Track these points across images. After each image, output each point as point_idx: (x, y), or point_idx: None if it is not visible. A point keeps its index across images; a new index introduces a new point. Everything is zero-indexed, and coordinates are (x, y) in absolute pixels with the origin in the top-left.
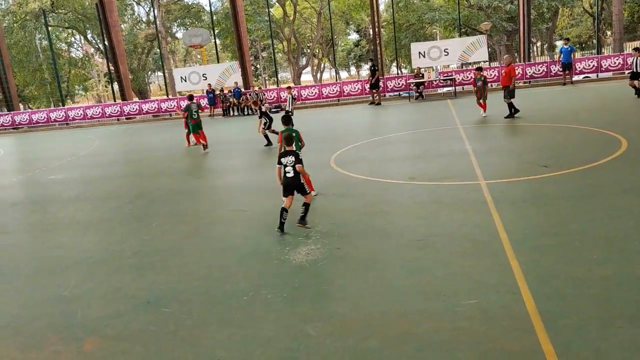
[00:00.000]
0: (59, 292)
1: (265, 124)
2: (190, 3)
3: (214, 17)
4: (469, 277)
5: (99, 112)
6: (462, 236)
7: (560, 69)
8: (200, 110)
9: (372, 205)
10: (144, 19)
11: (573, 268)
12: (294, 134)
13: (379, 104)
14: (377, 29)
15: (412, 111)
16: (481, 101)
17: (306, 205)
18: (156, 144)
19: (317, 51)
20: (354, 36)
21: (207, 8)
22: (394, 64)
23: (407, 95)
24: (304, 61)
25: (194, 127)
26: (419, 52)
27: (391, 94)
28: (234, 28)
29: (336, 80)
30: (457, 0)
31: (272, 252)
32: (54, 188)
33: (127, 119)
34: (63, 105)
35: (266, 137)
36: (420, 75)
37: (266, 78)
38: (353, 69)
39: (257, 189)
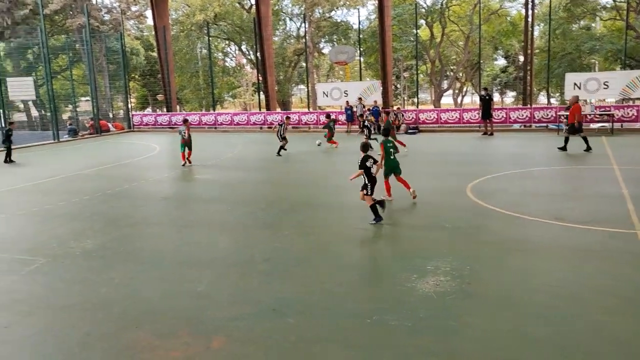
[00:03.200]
0: (194, 287)
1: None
2: (339, 20)
3: (361, 35)
4: (615, 337)
5: (245, 119)
6: (611, 290)
7: None
8: (186, 132)
9: (509, 243)
10: (295, 34)
11: None
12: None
13: (491, 134)
14: (528, 56)
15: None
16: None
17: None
18: (293, 155)
19: (461, 74)
20: (502, 62)
21: (356, 26)
22: (542, 93)
23: (555, 127)
24: (445, 84)
25: (182, 145)
26: (574, 83)
27: (538, 125)
28: (380, 47)
29: (479, 107)
30: (625, 29)
31: (398, 278)
32: (198, 187)
33: (269, 127)
34: (214, 110)
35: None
36: None
37: (405, 98)
38: (497, 95)
39: (387, 208)
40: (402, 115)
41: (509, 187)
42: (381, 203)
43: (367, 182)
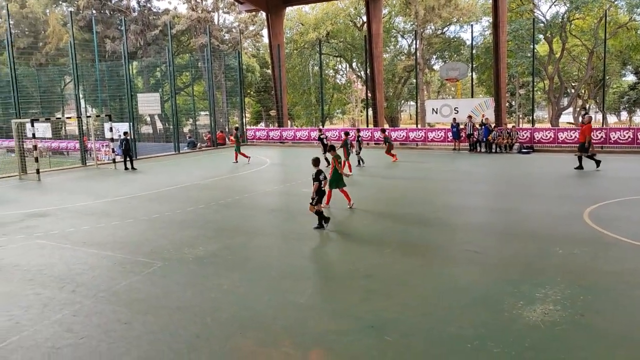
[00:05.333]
0: (297, 298)
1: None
2: (451, 37)
3: (474, 51)
4: None
5: (352, 135)
6: None
7: None
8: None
9: (632, 274)
10: (405, 51)
11: None
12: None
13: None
14: None
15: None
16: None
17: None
18: (400, 171)
19: (583, 92)
20: (631, 78)
21: (468, 42)
22: None
23: None
24: (565, 102)
25: (236, 148)
26: None
27: None
28: (494, 63)
29: (602, 126)
30: None
31: (504, 303)
32: (305, 201)
33: (375, 144)
34: (323, 125)
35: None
36: None
37: (520, 116)
38: (624, 114)
39: (497, 231)
40: (516, 134)
41: (633, 214)
42: (325, 218)
43: (315, 194)
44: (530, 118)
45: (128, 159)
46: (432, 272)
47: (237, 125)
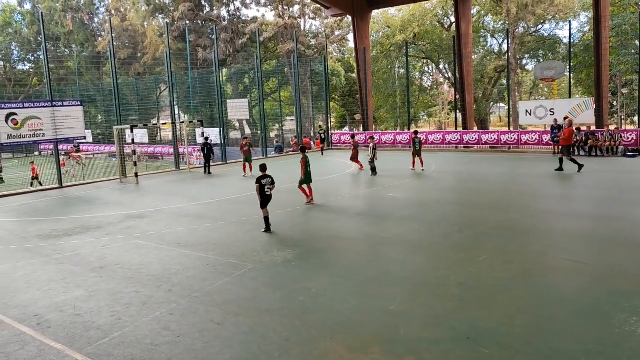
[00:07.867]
0: (385, 304)
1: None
2: (546, 35)
3: (572, 49)
4: None
5: (440, 138)
6: None
7: None
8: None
9: None
10: (496, 50)
11: None
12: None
13: None
14: None
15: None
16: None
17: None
18: (492, 175)
19: None
20: None
21: (565, 40)
22: None
23: None
24: None
25: (245, 158)
26: None
27: None
28: (595, 61)
29: None
30: None
31: (613, 318)
32: (391, 205)
33: (465, 147)
34: (409, 129)
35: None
36: None
37: (623, 117)
38: None
39: (602, 239)
40: (620, 136)
41: None
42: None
43: (260, 197)
44: (635, 119)
45: (207, 163)
46: (532, 282)
47: (245, 135)
